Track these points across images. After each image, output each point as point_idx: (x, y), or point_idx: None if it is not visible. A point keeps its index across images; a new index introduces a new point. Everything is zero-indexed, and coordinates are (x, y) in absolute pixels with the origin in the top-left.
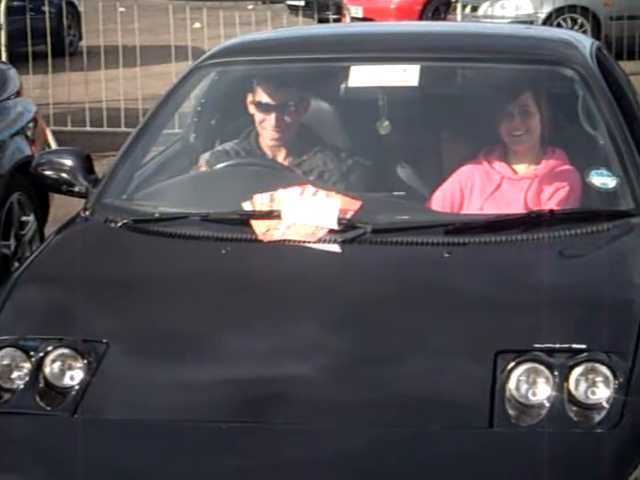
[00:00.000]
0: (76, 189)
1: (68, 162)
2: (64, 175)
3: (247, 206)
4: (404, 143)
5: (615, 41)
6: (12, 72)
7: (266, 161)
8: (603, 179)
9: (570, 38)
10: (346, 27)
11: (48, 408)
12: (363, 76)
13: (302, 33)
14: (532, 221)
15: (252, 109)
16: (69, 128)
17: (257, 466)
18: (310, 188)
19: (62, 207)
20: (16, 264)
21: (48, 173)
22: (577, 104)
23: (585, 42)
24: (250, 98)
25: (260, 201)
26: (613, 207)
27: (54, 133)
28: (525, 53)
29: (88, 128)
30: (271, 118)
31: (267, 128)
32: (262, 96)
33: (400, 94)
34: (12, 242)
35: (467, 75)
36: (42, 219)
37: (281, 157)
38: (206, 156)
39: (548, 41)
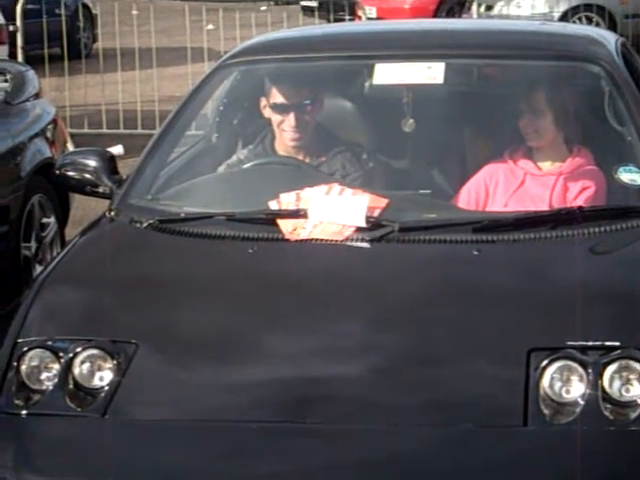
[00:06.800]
0: (100, 190)
1: (92, 163)
2: (88, 176)
3: (273, 205)
4: (429, 141)
5: (631, 39)
6: (30, 74)
7: (291, 160)
8: (631, 175)
9: (594, 34)
10: (370, 25)
11: (78, 409)
12: (388, 74)
13: (326, 31)
14: (561, 218)
15: (268, 112)
16: (86, 130)
17: (300, 468)
18: (337, 187)
19: (79, 209)
20: (37, 266)
21: (72, 174)
22: (604, 100)
23: (610, 38)
24: (264, 102)
25: (286, 200)
26: None
27: (71, 136)
28: (551, 50)
29: (105, 130)
30: (290, 118)
31: (286, 130)
32: (278, 97)
33: (425, 91)
34: (33, 244)
35: (492, 72)
36: (63, 221)
37: (300, 159)
38: (222, 168)
39: (573, 37)
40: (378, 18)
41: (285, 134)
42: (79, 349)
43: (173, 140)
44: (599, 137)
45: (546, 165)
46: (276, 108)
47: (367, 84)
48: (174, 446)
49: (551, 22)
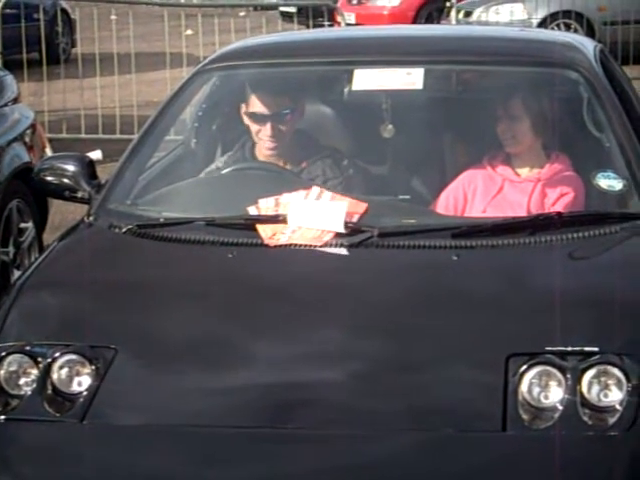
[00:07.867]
0: (79, 195)
1: (71, 167)
2: (67, 181)
3: (252, 210)
4: (408, 147)
5: (609, 46)
6: (9, 79)
7: (270, 166)
8: (610, 181)
9: (573, 41)
10: (349, 31)
11: (57, 414)
12: (367, 79)
13: (306, 37)
14: (540, 224)
15: (246, 120)
16: (64, 135)
17: (281, 472)
18: (315, 189)
19: (58, 214)
20: (15, 271)
21: (50, 179)
22: (582, 107)
23: (588, 45)
24: (244, 109)
25: (265, 205)
26: (620, 209)
27: (50, 140)
28: (530, 56)
29: (83, 135)
30: (267, 128)
31: (263, 139)
32: (256, 106)
33: (404, 97)
34: (11, 249)
35: (471, 78)
36: (41, 226)
37: (280, 165)
38: (201, 174)
39: (552, 44)
40: (357, 24)
41: (262, 143)
42: (57, 354)
43: (152, 145)
44: (577, 143)
45: (524, 171)
46: (253, 117)
47: (346, 90)
48: (153, 451)
49: (530, 28)
